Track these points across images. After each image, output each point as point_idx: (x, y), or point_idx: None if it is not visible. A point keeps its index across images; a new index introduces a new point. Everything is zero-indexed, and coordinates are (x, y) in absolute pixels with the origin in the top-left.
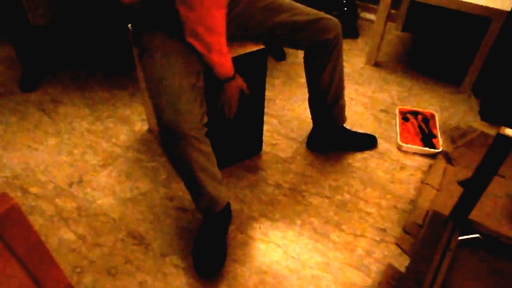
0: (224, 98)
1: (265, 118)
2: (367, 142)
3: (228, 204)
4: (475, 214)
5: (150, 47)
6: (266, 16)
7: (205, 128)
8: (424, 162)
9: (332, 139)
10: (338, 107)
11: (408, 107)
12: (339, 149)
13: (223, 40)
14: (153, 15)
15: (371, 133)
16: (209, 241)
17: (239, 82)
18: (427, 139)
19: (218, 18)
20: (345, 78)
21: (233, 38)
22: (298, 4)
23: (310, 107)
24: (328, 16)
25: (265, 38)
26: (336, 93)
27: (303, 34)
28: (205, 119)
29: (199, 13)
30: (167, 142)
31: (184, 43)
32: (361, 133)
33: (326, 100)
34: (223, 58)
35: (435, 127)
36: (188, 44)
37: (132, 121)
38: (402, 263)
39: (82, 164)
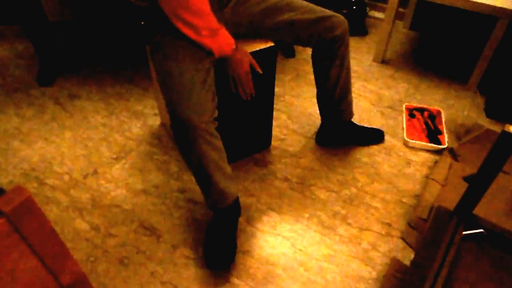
0: (233, 73)
1: (275, 113)
2: (375, 136)
3: (237, 199)
4: (480, 210)
5: (161, 44)
6: (274, 14)
7: (216, 122)
8: (430, 158)
9: (340, 134)
10: (346, 102)
11: (415, 104)
12: (347, 144)
13: (209, 18)
14: (162, 14)
15: (379, 129)
16: (219, 235)
17: (244, 54)
18: (433, 135)
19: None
20: (353, 75)
21: (242, 36)
22: (306, 2)
23: (318, 103)
24: (335, 13)
25: (273, 36)
26: (343, 89)
27: (310, 32)
28: (216, 113)
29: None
30: (179, 135)
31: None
32: (369, 127)
33: (333, 96)
34: (215, 35)
35: (441, 124)
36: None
37: (145, 115)
38: (406, 256)
39: (97, 156)
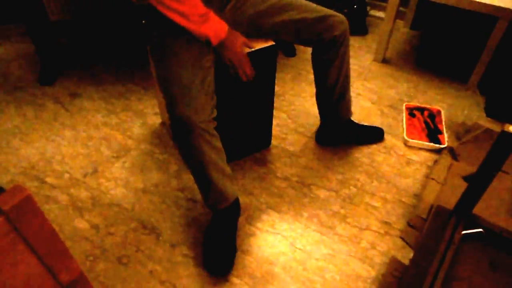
0: (228, 54)
1: (275, 112)
2: (374, 134)
3: (237, 199)
4: (479, 209)
5: (161, 43)
6: (274, 14)
7: (215, 122)
8: (430, 157)
9: (340, 133)
10: (344, 101)
11: (415, 103)
12: (347, 143)
13: (194, 3)
14: (162, 13)
15: (378, 127)
16: (218, 239)
17: (238, 36)
18: (433, 134)
19: None
20: (354, 74)
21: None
22: (306, 2)
23: (317, 102)
24: (335, 13)
25: (273, 35)
26: (342, 87)
27: (310, 31)
28: (215, 113)
29: None
30: (178, 135)
31: (194, 39)
32: (368, 126)
33: (333, 95)
34: (206, 20)
35: (441, 123)
36: (198, 39)
37: (146, 114)
38: (406, 255)
39: (97, 155)
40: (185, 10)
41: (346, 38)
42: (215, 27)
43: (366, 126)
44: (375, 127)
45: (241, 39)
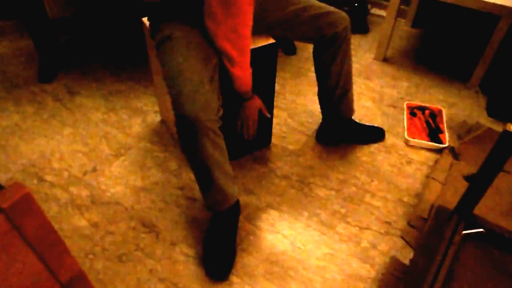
0: (243, 116)
1: (275, 111)
2: (375, 134)
3: (238, 201)
4: (480, 209)
5: (169, 37)
6: (276, 9)
7: (220, 121)
8: (431, 156)
9: (341, 132)
10: (347, 99)
11: (416, 102)
12: (348, 142)
13: (246, 58)
14: (172, 5)
15: (379, 127)
16: (218, 243)
17: (258, 102)
18: (434, 134)
19: (243, 35)
20: (355, 73)
21: None
22: None
23: (319, 100)
24: (337, 10)
25: (275, 31)
26: (344, 85)
27: (312, 28)
28: (221, 112)
29: (225, 30)
30: (183, 133)
31: (203, 34)
32: (369, 125)
33: (334, 93)
34: (244, 73)
35: (442, 123)
36: (207, 35)
37: (145, 112)
38: (406, 255)
39: (96, 153)
40: (235, 58)
41: (347, 35)
42: (243, 81)
43: (366, 125)
44: (376, 127)
45: (258, 105)
